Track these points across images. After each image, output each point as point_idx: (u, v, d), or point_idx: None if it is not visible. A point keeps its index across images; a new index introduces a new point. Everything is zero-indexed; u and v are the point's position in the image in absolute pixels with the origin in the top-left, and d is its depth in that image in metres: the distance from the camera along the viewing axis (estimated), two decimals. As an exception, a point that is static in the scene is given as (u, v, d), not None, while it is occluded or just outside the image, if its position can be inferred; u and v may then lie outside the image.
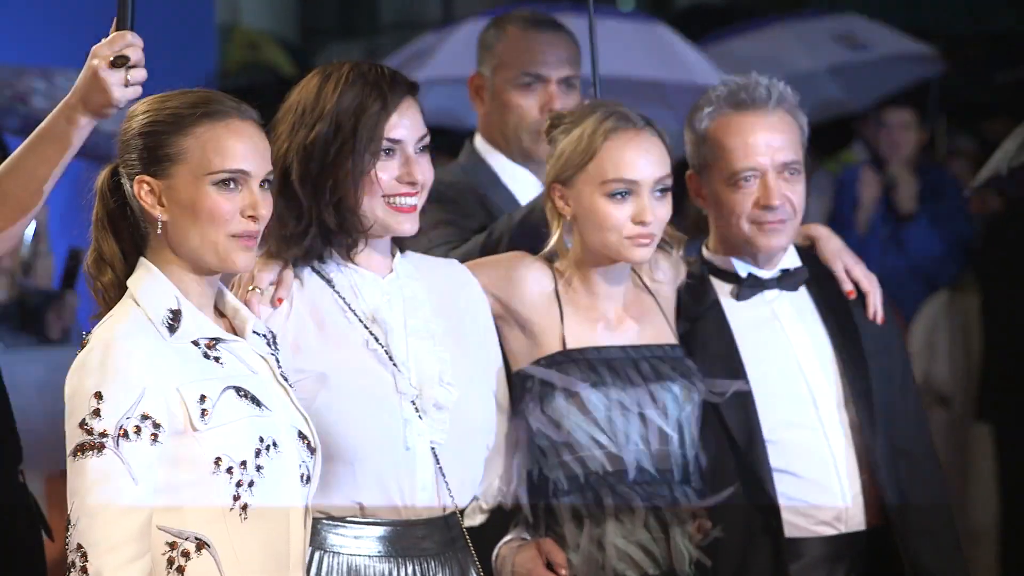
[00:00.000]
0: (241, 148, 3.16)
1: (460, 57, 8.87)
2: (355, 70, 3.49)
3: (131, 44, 3.28)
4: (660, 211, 3.63)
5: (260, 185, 3.17)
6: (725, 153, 3.78)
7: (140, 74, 3.27)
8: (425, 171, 3.49)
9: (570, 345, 3.65)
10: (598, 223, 3.63)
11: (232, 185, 3.14)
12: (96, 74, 3.27)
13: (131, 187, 3.15)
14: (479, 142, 4.54)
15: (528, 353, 3.67)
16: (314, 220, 3.45)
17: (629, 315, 3.73)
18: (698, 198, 3.88)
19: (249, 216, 3.15)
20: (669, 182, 3.66)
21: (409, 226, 3.49)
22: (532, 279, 3.71)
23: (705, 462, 3.69)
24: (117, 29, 3.33)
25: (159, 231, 3.13)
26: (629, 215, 3.62)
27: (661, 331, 3.75)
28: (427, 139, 3.51)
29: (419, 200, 3.49)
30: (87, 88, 3.29)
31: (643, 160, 3.63)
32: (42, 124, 3.35)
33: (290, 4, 19.14)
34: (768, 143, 3.75)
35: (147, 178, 3.13)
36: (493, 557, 3.62)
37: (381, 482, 3.42)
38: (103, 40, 3.31)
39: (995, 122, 8.68)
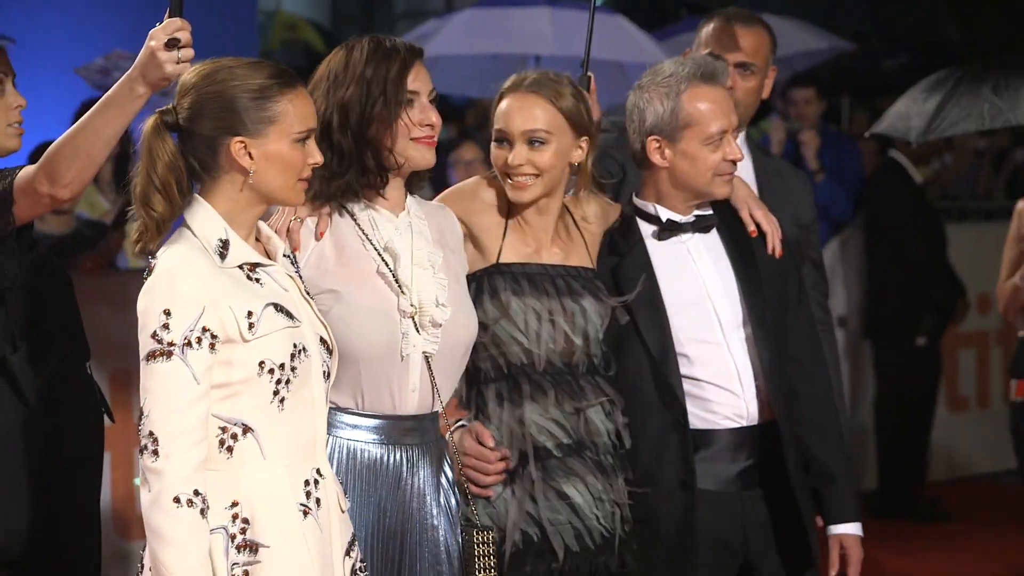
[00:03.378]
0: (312, 111, 3.18)
1: (456, 39, 8.88)
2: (373, 41, 3.50)
3: (181, 28, 3.31)
4: (534, 157, 3.62)
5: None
6: None
7: (188, 53, 3.30)
8: (438, 116, 3.52)
9: (502, 260, 3.65)
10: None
11: (304, 141, 3.14)
12: (153, 54, 3.29)
13: (215, 143, 3.08)
14: None
15: (473, 264, 3.67)
16: (354, 162, 3.45)
17: (556, 244, 3.72)
18: None
19: (312, 163, 3.16)
20: (542, 135, 3.63)
21: (431, 156, 3.51)
22: (489, 205, 3.71)
23: (617, 364, 3.70)
24: (170, 16, 3.34)
25: (249, 180, 3.09)
26: (505, 159, 3.65)
27: (581, 259, 3.73)
28: (435, 93, 3.53)
29: (434, 138, 3.52)
30: (145, 65, 3.32)
31: (517, 116, 3.63)
32: (108, 93, 3.39)
33: (323, -3, 19.16)
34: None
35: (244, 138, 3.08)
36: (447, 439, 3.60)
37: (379, 381, 3.43)
38: (158, 25, 3.32)
39: (886, 98, 8.68)
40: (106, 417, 3.93)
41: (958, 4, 15.08)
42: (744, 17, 4.55)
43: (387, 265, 3.46)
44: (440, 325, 3.45)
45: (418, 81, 3.49)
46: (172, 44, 3.29)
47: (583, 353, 3.64)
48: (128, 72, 3.34)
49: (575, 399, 3.60)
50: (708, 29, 4.54)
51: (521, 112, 3.64)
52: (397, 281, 3.45)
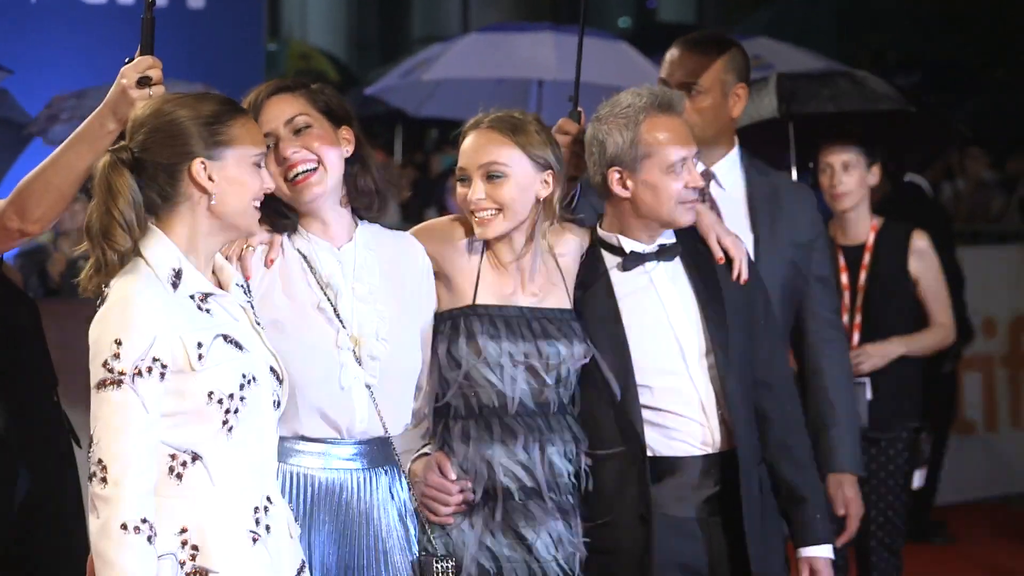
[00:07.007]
0: (262, 136, 3.23)
1: (460, 63, 8.90)
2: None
3: (153, 66, 3.32)
4: (493, 192, 3.59)
5: None
6: None
7: (160, 91, 3.29)
8: (308, 144, 3.42)
9: (478, 302, 3.62)
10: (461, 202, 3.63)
11: (259, 165, 3.17)
12: (125, 91, 3.30)
13: (174, 169, 3.09)
14: None
15: (447, 302, 3.63)
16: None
17: (535, 283, 3.67)
18: None
19: (267, 189, 3.19)
20: (498, 169, 3.59)
21: (306, 196, 3.44)
22: (463, 246, 3.66)
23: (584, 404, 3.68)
24: (141, 54, 3.33)
25: (212, 202, 3.11)
26: (465, 196, 3.61)
27: (559, 298, 3.70)
28: (297, 119, 3.43)
29: (312, 169, 3.42)
30: (116, 102, 3.32)
31: (473, 151, 3.61)
32: (78, 129, 3.40)
33: (341, 23, 19.16)
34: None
35: (204, 160, 3.10)
36: (406, 469, 3.60)
37: (321, 411, 3.42)
38: (129, 62, 3.32)
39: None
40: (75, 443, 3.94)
41: (953, 21, 15.05)
42: (692, 40, 4.46)
43: (328, 299, 3.45)
44: (378, 358, 3.44)
45: (267, 122, 3.41)
46: (144, 82, 3.29)
47: (554, 392, 3.62)
48: (98, 108, 3.35)
49: (542, 440, 3.58)
50: (666, 57, 4.47)
51: (477, 148, 3.61)
52: (338, 315, 3.44)
